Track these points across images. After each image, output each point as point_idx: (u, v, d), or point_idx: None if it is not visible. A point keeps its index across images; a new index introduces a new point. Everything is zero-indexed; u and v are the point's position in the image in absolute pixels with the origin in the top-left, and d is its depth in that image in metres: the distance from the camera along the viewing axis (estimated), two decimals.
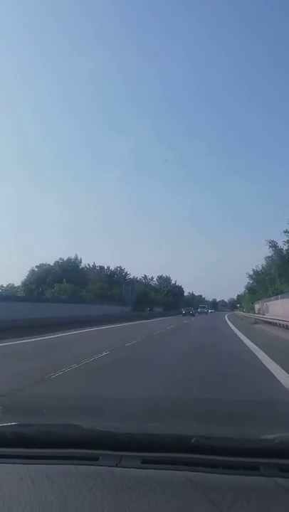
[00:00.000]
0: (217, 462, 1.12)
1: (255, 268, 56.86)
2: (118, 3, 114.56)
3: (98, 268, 58.74)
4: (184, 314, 47.17)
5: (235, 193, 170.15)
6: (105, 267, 59.38)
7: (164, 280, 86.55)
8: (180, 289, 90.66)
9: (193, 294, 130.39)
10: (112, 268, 63.21)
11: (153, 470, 1.10)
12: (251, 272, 58.61)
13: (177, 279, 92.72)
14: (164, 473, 1.08)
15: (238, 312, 74.30)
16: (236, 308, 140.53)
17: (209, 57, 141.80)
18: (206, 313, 75.45)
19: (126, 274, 64.94)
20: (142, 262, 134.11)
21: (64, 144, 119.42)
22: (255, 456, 1.12)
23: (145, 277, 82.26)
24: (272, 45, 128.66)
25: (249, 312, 49.41)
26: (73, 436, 1.26)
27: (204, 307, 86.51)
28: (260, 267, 55.24)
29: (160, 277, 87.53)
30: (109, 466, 1.12)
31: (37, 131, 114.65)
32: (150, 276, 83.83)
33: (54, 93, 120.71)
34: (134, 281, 55.56)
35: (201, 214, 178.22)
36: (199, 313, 74.86)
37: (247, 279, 60.08)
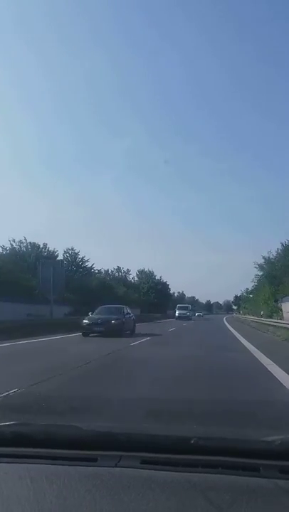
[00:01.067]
0: (216, 463, 1.20)
1: (266, 255, 47.50)
2: (114, 7, 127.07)
3: (29, 247, 33.14)
4: (85, 328, 17.68)
5: (229, 197, 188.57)
6: (41, 245, 33.88)
7: (146, 275, 61.58)
8: (165, 286, 65.87)
9: (183, 294, 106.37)
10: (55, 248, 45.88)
11: (152, 470, 1.19)
12: (261, 261, 48.46)
13: (170, 281, 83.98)
14: (163, 473, 1.17)
15: (241, 316, 62.35)
16: (232, 310, 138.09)
17: (204, 61, 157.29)
18: (190, 317, 56.44)
19: (82, 260, 39.50)
20: (133, 264, 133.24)
21: (57, 144, 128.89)
22: (255, 458, 1.21)
23: (118, 269, 57.65)
24: (266, 46, 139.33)
25: (271, 317, 32.81)
26: (72, 436, 1.36)
27: (186, 308, 64.75)
28: (274, 254, 46.46)
29: (141, 272, 62.84)
30: (108, 467, 1.21)
31: (30, 133, 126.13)
32: (125, 269, 58.90)
33: (49, 94, 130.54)
34: (59, 261, 29.17)
35: (195, 216, 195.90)
36: (178, 318, 55.09)
37: (256, 269, 50.06)
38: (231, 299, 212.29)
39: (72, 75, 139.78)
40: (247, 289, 70.89)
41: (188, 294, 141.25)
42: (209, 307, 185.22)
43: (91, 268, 48.77)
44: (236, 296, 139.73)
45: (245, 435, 1.40)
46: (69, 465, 1.22)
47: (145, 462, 1.21)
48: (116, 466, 1.20)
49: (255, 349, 11.83)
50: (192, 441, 1.24)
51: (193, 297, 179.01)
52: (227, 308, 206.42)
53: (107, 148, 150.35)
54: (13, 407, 2.75)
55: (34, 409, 2.38)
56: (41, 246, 41.40)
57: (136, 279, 72.26)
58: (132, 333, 18.36)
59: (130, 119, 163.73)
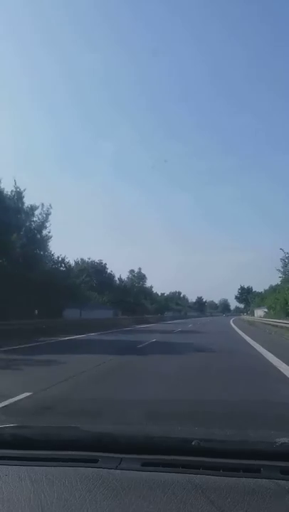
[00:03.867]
0: (218, 464, 1.20)
1: None
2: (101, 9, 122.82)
3: None
4: None
5: (213, 198, 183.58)
6: None
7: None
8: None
9: (140, 274, 47.60)
10: None
11: (153, 472, 1.19)
12: None
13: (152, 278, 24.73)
14: (164, 475, 1.17)
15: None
16: (230, 311, 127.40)
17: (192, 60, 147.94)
18: None
19: None
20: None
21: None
22: (256, 459, 1.21)
23: None
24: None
25: None
26: (73, 438, 1.38)
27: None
28: None
29: None
30: (108, 469, 1.21)
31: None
32: None
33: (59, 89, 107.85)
34: None
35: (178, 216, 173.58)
36: None
37: None
38: (228, 297, 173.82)
39: (85, 73, 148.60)
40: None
41: (170, 290, 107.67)
42: (200, 307, 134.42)
43: None
44: (243, 289, 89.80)
45: (246, 436, 1.39)
46: (69, 466, 1.22)
47: (146, 464, 1.21)
48: (117, 468, 1.20)
49: None
50: (193, 443, 1.23)
51: (179, 293, 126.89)
52: (224, 308, 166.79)
53: (93, 150, 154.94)
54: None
55: None
56: None
57: None
58: None
59: (118, 122, 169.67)
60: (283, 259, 37.32)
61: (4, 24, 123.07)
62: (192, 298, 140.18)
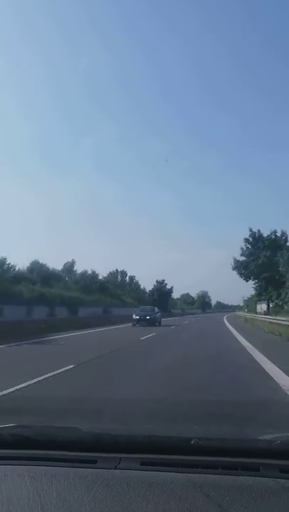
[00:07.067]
0: (216, 463, 1.21)
1: None
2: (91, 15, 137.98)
3: None
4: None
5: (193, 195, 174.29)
6: None
7: None
8: None
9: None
10: None
11: (152, 472, 1.20)
12: None
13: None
14: (163, 474, 1.18)
15: None
16: (210, 308, 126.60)
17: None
18: None
19: None
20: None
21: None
22: (255, 457, 1.22)
23: None
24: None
25: None
26: (72, 438, 1.37)
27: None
28: None
29: None
30: (108, 469, 1.22)
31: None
32: None
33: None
34: None
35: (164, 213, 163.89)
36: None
37: None
38: (208, 288, 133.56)
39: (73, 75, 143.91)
40: None
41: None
42: (162, 298, 76.75)
43: None
44: (256, 238, 32.29)
45: (245, 435, 1.40)
46: (69, 467, 1.22)
47: (145, 463, 1.21)
48: (116, 468, 1.20)
49: None
50: (192, 442, 1.24)
51: (123, 273, 67.98)
52: (202, 303, 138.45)
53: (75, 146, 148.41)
54: None
55: None
56: None
57: None
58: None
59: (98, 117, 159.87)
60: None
61: None
62: (148, 283, 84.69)
